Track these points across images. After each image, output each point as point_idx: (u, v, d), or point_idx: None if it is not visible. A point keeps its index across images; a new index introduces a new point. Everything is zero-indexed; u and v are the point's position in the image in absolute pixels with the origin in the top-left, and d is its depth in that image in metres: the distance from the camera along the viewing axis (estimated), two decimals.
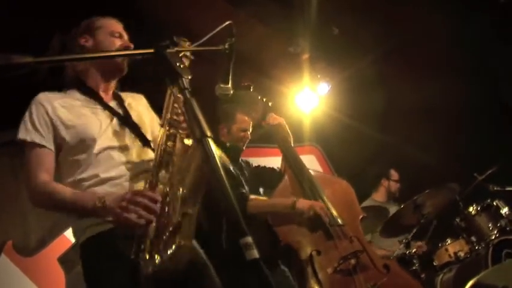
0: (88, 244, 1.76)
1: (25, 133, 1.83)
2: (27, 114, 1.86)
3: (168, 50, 1.30)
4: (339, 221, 2.84)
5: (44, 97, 1.90)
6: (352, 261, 2.72)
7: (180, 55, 1.46)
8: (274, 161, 3.38)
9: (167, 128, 1.77)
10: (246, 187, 2.95)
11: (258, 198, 2.93)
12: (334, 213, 2.88)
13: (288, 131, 3.22)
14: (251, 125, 3.13)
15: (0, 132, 3.78)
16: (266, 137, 3.32)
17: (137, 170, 1.86)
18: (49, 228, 3.73)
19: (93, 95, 1.96)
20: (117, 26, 2.09)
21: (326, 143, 5.82)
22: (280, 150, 3.20)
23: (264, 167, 3.34)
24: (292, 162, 3.11)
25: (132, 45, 2.03)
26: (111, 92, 2.05)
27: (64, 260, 3.66)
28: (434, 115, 5.03)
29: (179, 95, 1.64)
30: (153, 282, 1.61)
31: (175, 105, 1.79)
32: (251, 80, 3.14)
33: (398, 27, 4.72)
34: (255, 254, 1.01)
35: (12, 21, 3.33)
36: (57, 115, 1.86)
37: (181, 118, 1.78)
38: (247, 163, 3.23)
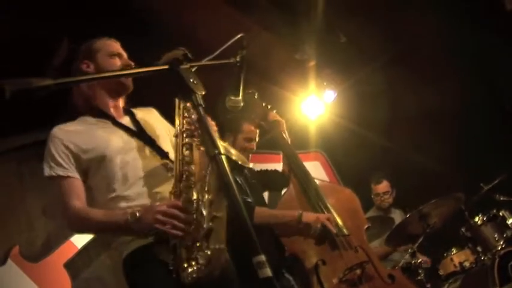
0: (130, 258, 1.84)
1: (49, 170, 1.92)
2: (46, 151, 1.96)
3: (182, 66, 1.31)
4: (345, 231, 2.84)
5: (58, 130, 1.99)
6: (358, 271, 2.73)
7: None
8: (279, 168, 3.39)
9: (182, 138, 1.84)
10: (251, 197, 2.95)
11: (263, 209, 2.94)
12: (340, 222, 2.88)
13: (286, 131, 3.22)
14: (257, 134, 3.13)
15: (7, 138, 3.81)
16: (271, 144, 3.32)
17: (160, 183, 1.92)
18: (55, 234, 3.73)
19: (104, 115, 2.04)
20: (114, 45, 2.15)
21: (331, 150, 5.83)
22: (285, 159, 3.20)
23: (267, 170, 3.35)
24: (297, 171, 3.11)
25: (132, 63, 2.09)
26: (121, 109, 2.12)
27: (70, 266, 3.67)
28: (440, 123, 5.02)
29: (188, 105, 1.69)
30: None
31: (186, 114, 1.85)
32: (257, 87, 3.15)
33: (404, 35, 4.73)
34: (268, 272, 1.02)
35: (12, 22, 3.34)
36: (74, 143, 1.94)
37: (194, 127, 1.84)
38: (250, 169, 3.22)
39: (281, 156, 3.24)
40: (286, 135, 3.20)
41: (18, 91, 0.98)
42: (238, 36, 1.69)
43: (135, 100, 2.21)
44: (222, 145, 1.45)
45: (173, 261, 1.67)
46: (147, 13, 3.89)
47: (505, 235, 3.61)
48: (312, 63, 4.90)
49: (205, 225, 1.67)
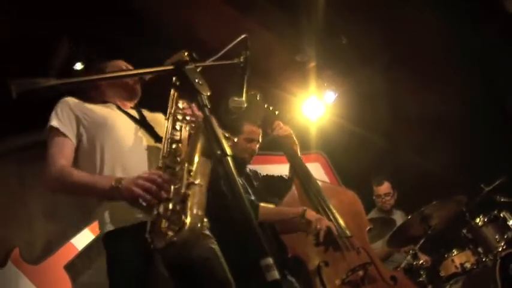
0: (111, 235, 1.86)
1: (53, 121, 1.99)
2: (54, 109, 2.04)
3: (187, 67, 1.30)
4: (347, 232, 2.84)
5: (68, 98, 2.08)
6: (360, 273, 2.72)
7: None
8: (281, 169, 3.38)
9: (172, 119, 1.91)
10: (253, 196, 2.94)
11: (267, 206, 2.92)
12: (342, 224, 2.88)
13: (295, 140, 3.21)
14: (260, 135, 3.11)
15: (7, 139, 3.80)
16: (272, 145, 3.31)
17: (152, 162, 1.97)
18: (55, 236, 3.72)
19: (111, 103, 2.15)
20: (122, 63, 2.27)
21: (332, 151, 5.82)
22: (288, 160, 3.19)
23: (273, 176, 3.33)
24: (299, 173, 3.11)
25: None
26: (128, 106, 2.21)
27: (70, 268, 3.66)
28: (441, 124, 5.02)
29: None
30: (167, 266, 1.75)
31: (179, 100, 1.95)
32: (257, 88, 3.14)
33: (405, 37, 4.73)
34: (276, 275, 1.01)
35: (12, 22, 3.33)
36: (79, 109, 2.04)
37: (186, 111, 1.94)
38: (256, 173, 3.21)
39: (284, 157, 3.24)
40: (295, 144, 3.19)
41: (24, 91, 0.97)
42: (242, 37, 1.69)
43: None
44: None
45: (150, 229, 1.70)
46: (147, 13, 3.89)
47: (506, 236, 3.60)
48: (313, 64, 4.91)
49: (182, 191, 1.70)
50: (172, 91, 1.96)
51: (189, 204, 1.67)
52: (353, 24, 4.56)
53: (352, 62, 5.01)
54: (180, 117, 1.94)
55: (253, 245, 1.05)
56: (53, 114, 2.01)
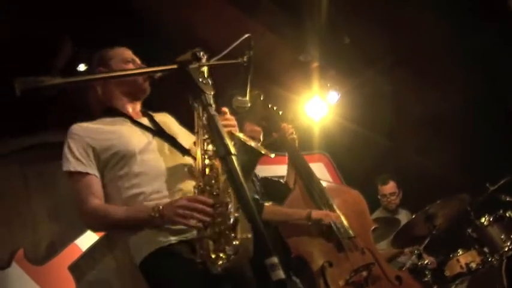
0: (151, 259, 1.79)
1: (68, 164, 1.89)
2: (65, 147, 1.93)
3: (191, 66, 1.30)
4: (351, 232, 2.84)
5: (77, 127, 1.97)
6: (364, 273, 2.72)
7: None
8: (282, 170, 3.36)
9: (203, 132, 1.81)
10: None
11: (272, 206, 2.92)
12: (346, 224, 2.87)
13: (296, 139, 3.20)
14: (261, 134, 3.10)
15: (12, 140, 3.80)
16: (275, 145, 3.30)
17: (181, 180, 1.90)
18: (60, 237, 3.73)
19: (122, 115, 2.03)
20: (127, 52, 2.17)
21: (335, 151, 5.81)
22: (291, 161, 3.18)
23: (271, 179, 3.32)
24: (303, 173, 3.10)
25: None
26: (139, 111, 2.11)
27: (75, 269, 3.67)
28: (445, 124, 5.01)
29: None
30: (227, 282, 1.70)
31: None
32: (261, 88, 3.13)
33: (408, 37, 4.72)
34: (281, 274, 1.01)
35: (12, 22, 3.34)
36: (93, 139, 1.92)
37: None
38: (254, 174, 3.21)
39: (286, 158, 3.23)
40: (295, 142, 3.18)
41: (28, 89, 0.97)
42: (245, 36, 1.68)
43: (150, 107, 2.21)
44: (239, 136, 1.42)
45: (200, 253, 1.66)
46: (148, 13, 3.89)
47: (511, 236, 3.58)
48: (316, 64, 4.90)
49: (231, 216, 1.67)
50: (196, 105, 1.80)
51: (238, 228, 1.67)
52: (356, 24, 4.56)
53: (355, 62, 5.01)
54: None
55: (257, 244, 1.04)
56: (67, 153, 1.91)
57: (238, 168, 1.13)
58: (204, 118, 1.77)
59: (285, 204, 3.03)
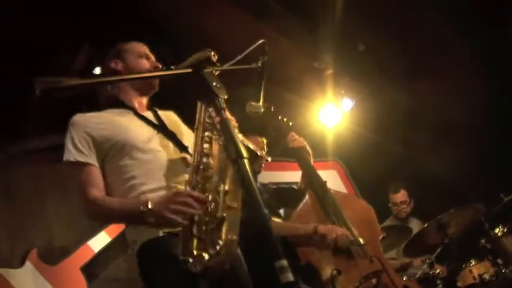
0: (142, 251, 1.82)
1: (69, 154, 1.91)
2: (67, 137, 1.94)
3: (205, 70, 1.32)
4: (361, 240, 2.83)
5: (79, 117, 1.98)
6: (373, 280, 2.70)
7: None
8: (293, 176, 3.37)
9: (202, 130, 1.83)
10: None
11: (278, 221, 2.94)
12: (355, 232, 2.87)
13: (309, 150, 3.20)
14: (265, 144, 3.13)
15: (26, 140, 3.86)
16: (286, 153, 3.31)
17: (178, 175, 1.91)
18: (72, 238, 3.77)
19: (127, 107, 2.06)
20: (143, 48, 2.19)
21: (349, 159, 5.80)
22: (301, 170, 3.18)
23: (284, 187, 3.33)
24: (314, 183, 3.10)
25: (160, 65, 2.13)
26: (144, 106, 2.14)
27: (87, 270, 3.70)
28: (459, 132, 4.96)
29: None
30: (208, 282, 1.67)
31: (207, 110, 1.84)
32: (275, 94, 3.14)
33: (422, 44, 4.70)
34: (290, 277, 1.01)
35: (12, 22, 3.37)
36: (95, 129, 1.94)
37: (215, 120, 1.80)
38: (265, 186, 3.22)
39: (296, 164, 3.23)
40: (309, 155, 3.18)
41: (47, 89, 0.99)
42: (260, 42, 1.70)
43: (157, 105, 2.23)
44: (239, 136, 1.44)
45: (183, 250, 1.64)
46: (158, 16, 3.92)
47: None
48: (330, 71, 4.90)
49: (218, 215, 1.65)
50: (199, 103, 1.88)
51: (224, 228, 1.64)
52: (370, 31, 4.56)
53: (369, 69, 4.99)
54: (209, 127, 1.84)
55: (268, 247, 1.05)
56: (68, 143, 1.92)
57: (250, 172, 1.14)
58: (207, 116, 1.81)
59: (295, 214, 3.03)
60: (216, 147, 1.82)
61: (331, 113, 5.19)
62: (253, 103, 1.78)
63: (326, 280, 2.74)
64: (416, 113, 5.09)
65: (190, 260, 1.61)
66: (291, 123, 3.21)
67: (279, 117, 3.20)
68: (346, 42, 4.66)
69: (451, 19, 4.38)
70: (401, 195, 4.65)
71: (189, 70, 1.33)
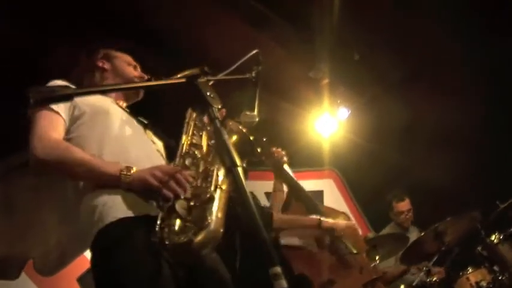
0: (109, 230, 1.62)
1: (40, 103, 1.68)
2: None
3: (199, 80, 1.33)
4: (353, 249, 2.84)
5: (59, 81, 1.85)
6: None
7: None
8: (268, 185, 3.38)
9: (193, 126, 1.82)
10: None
11: (282, 214, 2.94)
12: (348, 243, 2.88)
13: (287, 162, 3.21)
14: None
15: (23, 151, 3.85)
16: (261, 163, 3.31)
17: (154, 160, 1.81)
18: (69, 248, 3.75)
19: (108, 97, 2.02)
20: (131, 58, 2.23)
21: (345, 168, 5.81)
22: (287, 187, 3.20)
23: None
24: (302, 197, 3.11)
25: (146, 76, 2.15)
26: (123, 105, 2.12)
27: (83, 280, 3.68)
28: (455, 140, 4.98)
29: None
30: (173, 265, 1.58)
31: (201, 117, 1.85)
32: (270, 103, 3.15)
33: (418, 52, 4.73)
34: (284, 284, 1.02)
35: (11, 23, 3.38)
36: (78, 101, 1.81)
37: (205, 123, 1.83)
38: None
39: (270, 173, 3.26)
40: (287, 167, 3.20)
41: (42, 99, 1.00)
42: (254, 52, 1.72)
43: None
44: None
45: (160, 223, 1.52)
46: (156, 27, 3.94)
47: None
48: (326, 80, 4.92)
49: (208, 191, 1.58)
50: (189, 111, 1.87)
51: (215, 206, 1.55)
52: (366, 40, 4.59)
53: (365, 78, 5.01)
54: (200, 125, 1.82)
55: (262, 254, 1.06)
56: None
57: (244, 180, 1.15)
58: (197, 120, 1.79)
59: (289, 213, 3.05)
60: (205, 141, 1.79)
61: (328, 122, 5.20)
62: (248, 113, 1.79)
63: None
64: (412, 121, 5.11)
65: (168, 235, 1.51)
66: (264, 139, 3.20)
67: (263, 139, 3.21)
68: (342, 51, 4.69)
69: (448, 28, 4.41)
70: (406, 204, 4.65)
71: (183, 80, 1.34)
